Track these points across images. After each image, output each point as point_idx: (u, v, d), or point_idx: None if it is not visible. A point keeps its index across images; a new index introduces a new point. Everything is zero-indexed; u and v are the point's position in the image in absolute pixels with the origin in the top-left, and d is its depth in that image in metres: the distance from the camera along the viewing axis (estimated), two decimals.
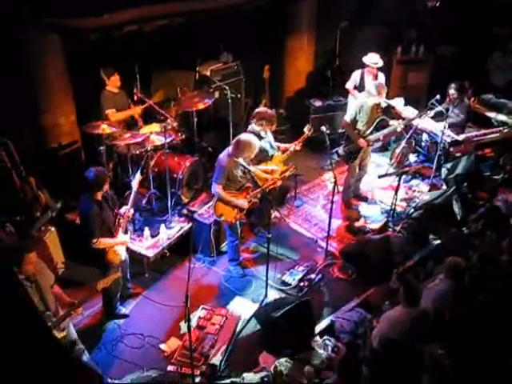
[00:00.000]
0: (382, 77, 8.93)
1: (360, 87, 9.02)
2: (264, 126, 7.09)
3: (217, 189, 6.48)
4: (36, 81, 7.28)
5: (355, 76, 9.11)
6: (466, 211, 7.70)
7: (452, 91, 8.79)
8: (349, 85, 9.25)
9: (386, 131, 7.85)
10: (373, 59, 8.79)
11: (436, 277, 6.05)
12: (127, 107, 7.93)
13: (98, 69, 7.63)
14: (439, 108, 8.66)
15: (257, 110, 7.30)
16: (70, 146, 7.83)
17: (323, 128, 7.25)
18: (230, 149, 6.44)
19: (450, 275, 5.50)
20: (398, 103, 8.61)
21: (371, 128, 7.76)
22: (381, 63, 8.80)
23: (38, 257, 5.24)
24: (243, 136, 6.51)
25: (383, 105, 7.89)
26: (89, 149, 7.98)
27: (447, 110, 8.79)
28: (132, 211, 6.18)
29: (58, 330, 4.97)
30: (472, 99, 9.47)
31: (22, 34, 6.86)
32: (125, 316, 6.52)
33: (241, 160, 6.36)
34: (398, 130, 7.91)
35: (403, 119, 8.18)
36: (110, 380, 5.56)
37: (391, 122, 7.90)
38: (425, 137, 9.25)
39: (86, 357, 5.39)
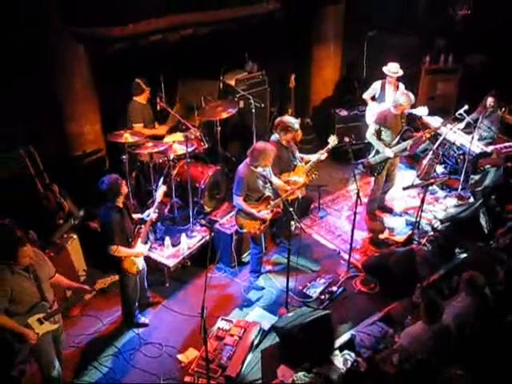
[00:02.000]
0: (402, 87, 8.82)
1: (380, 98, 8.95)
2: (286, 135, 7.05)
3: (238, 201, 6.47)
4: (62, 90, 7.42)
5: (375, 86, 9.02)
6: (493, 225, 7.53)
7: (490, 99, 8.64)
8: (366, 95, 9.16)
9: (411, 141, 7.74)
10: (392, 68, 8.70)
11: (460, 293, 5.93)
12: (152, 119, 7.99)
13: (124, 78, 7.67)
14: (467, 118, 8.55)
15: (278, 118, 7.26)
16: (94, 154, 7.95)
17: (346, 139, 7.20)
18: (247, 159, 6.43)
19: (468, 291, 5.38)
20: (422, 112, 8.48)
21: (396, 139, 7.66)
22: (400, 73, 8.68)
23: (58, 264, 5.35)
24: (258, 144, 6.48)
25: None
26: (113, 157, 8.05)
27: (476, 120, 8.67)
28: (155, 215, 6.20)
29: (50, 322, 5.03)
30: (503, 110, 9.28)
31: (49, 44, 6.99)
32: (144, 325, 6.53)
33: (260, 169, 6.34)
34: (424, 139, 7.80)
35: (428, 129, 8.06)
36: None
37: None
38: (452, 148, 9.09)
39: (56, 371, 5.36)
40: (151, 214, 6.14)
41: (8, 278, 4.75)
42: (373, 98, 9.10)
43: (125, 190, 5.85)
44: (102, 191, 5.69)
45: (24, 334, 4.82)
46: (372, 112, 8.87)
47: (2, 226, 5.38)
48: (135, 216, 6.16)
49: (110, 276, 5.44)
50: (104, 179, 5.73)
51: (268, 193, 6.63)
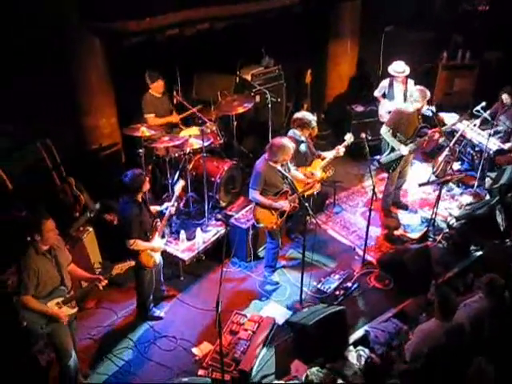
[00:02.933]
0: (411, 83, 8.77)
1: (390, 96, 8.92)
2: (303, 130, 7.08)
3: (254, 194, 6.47)
4: (78, 83, 7.49)
5: (384, 84, 9.01)
6: (509, 222, 7.49)
7: (505, 96, 8.58)
8: (377, 93, 9.16)
9: (427, 138, 7.70)
10: (398, 68, 8.68)
11: (476, 292, 5.89)
12: (168, 112, 8.03)
13: (141, 72, 7.73)
14: (484, 115, 8.48)
15: (296, 114, 7.28)
16: (111, 147, 7.98)
17: (363, 135, 7.18)
18: (265, 154, 6.43)
19: (487, 293, 5.36)
20: (428, 112, 8.39)
21: (412, 136, 7.62)
22: (407, 72, 8.65)
23: (75, 256, 5.41)
24: (276, 139, 6.48)
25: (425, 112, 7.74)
26: (129, 151, 8.09)
27: (493, 117, 8.60)
28: (174, 208, 6.24)
29: (69, 306, 5.12)
30: None
31: (66, 38, 7.02)
32: (159, 318, 6.55)
33: (278, 166, 6.34)
34: (436, 137, 7.76)
35: (442, 127, 8.01)
36: None
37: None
38: (469, 145, 9.03)
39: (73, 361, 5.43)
40: (169, 207, 6.17)
41: (33, 257, 4.85)
42: (384, 96, 9.07)
43: (147, 186, 5.91)
44: (124, 184, 5.73)
45: (56, 314, 4.94)
46: (385, 109, 8.85)
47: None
48: (153, 208, 6.20)
49: (126, 261, 5.47)
50: (128, 172, 5.77)
51: (286, 187, 6.62)
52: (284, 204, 6.55)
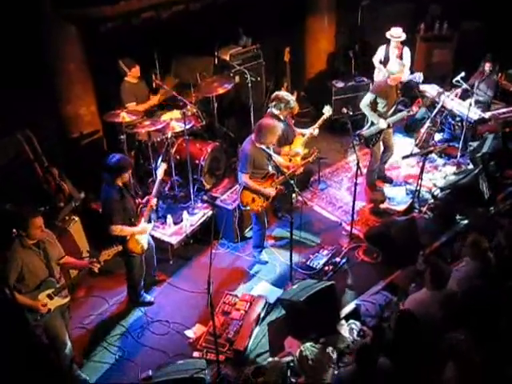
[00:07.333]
0: (407, 52, 8.80)
1: (385, 63, 8.89)
2: (282, 109, 7.06)
3: (244, 178, 6.46)
4: (56, 72, 7.36)
5: (380, 51, 9.03)
6: (493, 190, 7.58)
7: (488, 64, 8.66)
8: (375, 59, 9.17)
9: (405, 113, 7.74)
10: (394, 33, 8.69)
11: (463, 259, 5.98)
12: (146, 96, 7.97)
13: (118, 59, 7.65)
14: (464, 85, 8.53)
15: (275, 93, 7.27)
16: (92, 135, 7.92)
17: (344, 110, 7.19)
18: (252, 135, 6.42)
19: (472, 254, 5.44)
20: (418, 78, 8.42)
21: (392, 110, 7.65)
22: (404, 37, 8.68)
23: (62, 247, 5.39)
24: (265, 120, 6.49)
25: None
26: (111, 138, 8.04)
27: (472, 86, 8.65)
28: (155, 201, 6.21)
29: (61, 296, 5.14)
30: (499, 75, 9.26)
31: (41, 26, 6.92)
32: (150, 303, 6.58)
33: (264, 146, 6.35)
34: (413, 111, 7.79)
35: (424, 99, 8.04)
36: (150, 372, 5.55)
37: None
38: (450, 115, 9.08)
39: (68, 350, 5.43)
40: (153, 196, 6.14)
41: (19, 250, 4.85)
42: (381, 62, 9.09)
43: (127, 176, 5.86)
44: (108, 164, 5.67)
45: (33, 306, 4.92)
46: (381, 76, 8.73)
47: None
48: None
49: (113, 247, 5.41)
50: (116, 155, 5.76)
51: (272, 170, 6.64)
52: (271, 191, 6.59)
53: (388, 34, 8.76)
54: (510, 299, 5.18)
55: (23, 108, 6.86)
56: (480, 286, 5.23)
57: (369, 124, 7.85)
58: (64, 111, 7.62)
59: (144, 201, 6.13)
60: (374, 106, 7.66)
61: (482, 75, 8.80)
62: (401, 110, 7.75)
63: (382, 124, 7.61)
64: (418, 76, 8.04)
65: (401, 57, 8.75)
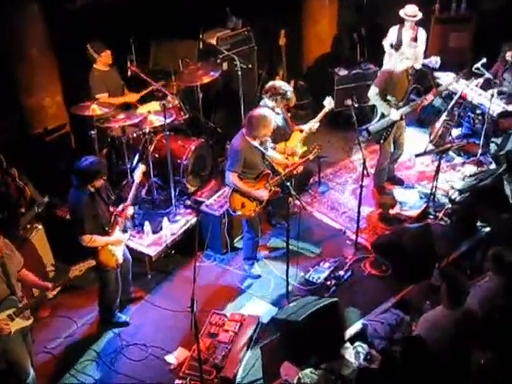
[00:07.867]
0: (422, 33, 8.83)
1: (396, 46, 8.92)
2: (278, 101, 7.06)
3: (231, 178, 6.43)
4: (15, 57, 7.34)
5: (392, 33, 9.06)
6: None
7: (510, 53, 8.67)
8: (385, 42, 9.20)
9: (418, 101, 7.75)
10: (409, 11, 8.74)
11: (486, 273, 5.97)
12: (120, 87, 7.95)
13: (86, 44, 7.62)
14: (487, 74, 8.55)
15: (270, 83, 7.27)
16: (57, 130, 7.94)
17: (348, 102, 7.19)
18: (243, 129, 6.41)
19: (494, 269, 5.44)
20: (433, 63, 8.43)
21: (404, 99, 7.66)
22: (420, 15, 8.71)
23: (24, 258, 5.34)
24: (256, 111, 6.45)
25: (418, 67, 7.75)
26: (79, 134, 8.02)
27: (495, 75, 8.68)
28: (132, 210, 6.20)
29: (22, 318, 5.06)
30: None
31: None
32: (125, 324, 6.54)
33: (256, 142, 6.33)
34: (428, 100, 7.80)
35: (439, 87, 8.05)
36: None
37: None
38: (469, 107, 9.10)
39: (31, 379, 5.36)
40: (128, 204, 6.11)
41: None
42: (392, 46, 9.11)
43: (100, 183, 5.82)
44: (78, 168, 5.64)
45: None
46: (393, 61, 8.76)
47: None
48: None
49: (85, 261, 5.33)
50: (89, 157, 5.73)
51: (265, 169, 6.62)
52: (264, 194, 6.57)
53: (402, 13, 8.77)
54: None
55: None
56: (503, 306, 5.22)
57: (378, 117, 7.85)
58: (25, 103, 7.63)
59: (119, 209, 6.10)
60: (383, 95, 7.67)
61: (505, 64, 8.83)
62: (413, 100, 7.75)
63: (394, 115, 7.60)
64: (435, 60, 8.04)
65: (415, 39, 8.77)
